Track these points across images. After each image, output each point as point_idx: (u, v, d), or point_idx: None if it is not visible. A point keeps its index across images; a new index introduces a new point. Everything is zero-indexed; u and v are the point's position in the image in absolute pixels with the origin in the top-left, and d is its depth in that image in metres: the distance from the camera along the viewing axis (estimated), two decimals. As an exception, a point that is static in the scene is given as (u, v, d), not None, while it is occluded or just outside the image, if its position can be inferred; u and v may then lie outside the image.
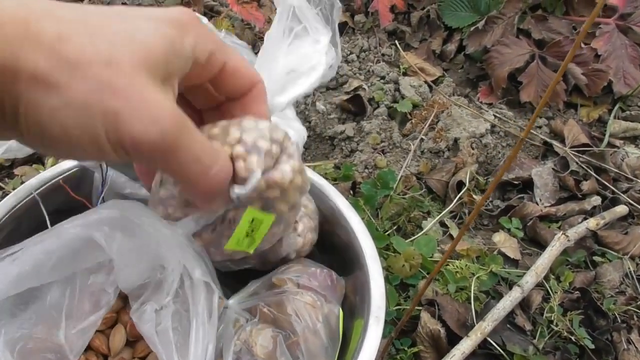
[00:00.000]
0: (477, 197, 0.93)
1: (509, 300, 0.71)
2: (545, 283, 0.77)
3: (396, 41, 1.26)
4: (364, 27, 1.30)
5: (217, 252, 0.47)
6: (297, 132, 0.79)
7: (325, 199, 0.77)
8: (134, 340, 0.57)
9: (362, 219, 0.74)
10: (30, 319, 0.57)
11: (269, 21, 1.33)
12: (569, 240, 0.79)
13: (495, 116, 1.09)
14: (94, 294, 0.60)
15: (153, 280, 0.59)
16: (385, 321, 0.62)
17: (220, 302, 0.62)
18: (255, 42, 1.29)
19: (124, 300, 0.62)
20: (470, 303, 0.73)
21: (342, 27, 1.30)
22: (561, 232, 0.80)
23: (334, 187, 0.78)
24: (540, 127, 1.10)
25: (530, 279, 0.74)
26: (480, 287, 0.76)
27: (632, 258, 0.84)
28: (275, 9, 1.47)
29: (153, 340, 0.53)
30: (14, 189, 0.87)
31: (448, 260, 0.81)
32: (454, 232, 0.88)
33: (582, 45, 1.11)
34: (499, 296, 0.76)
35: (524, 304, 0.74)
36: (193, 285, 0.57)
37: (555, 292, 0.74)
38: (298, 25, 0.74)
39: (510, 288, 0.77)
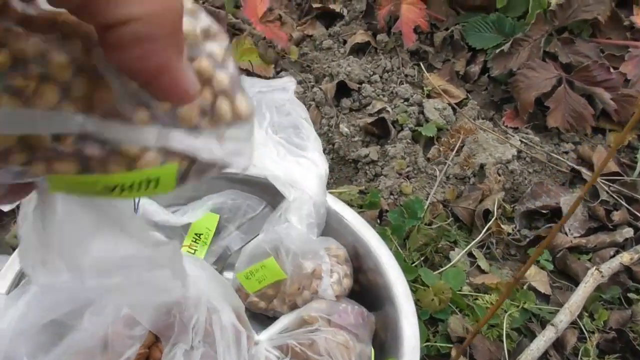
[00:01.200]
0: (505, 227, 0.92)
1: (543, 340, 0.70)
2: (579, 321, 0.76)
3: (420, 62, 1.25)
4: (386, 46, 1.29)
5: None
6: (318, 166, 0.78)
7: (353, 231, 0.76)
8: (167, 382, 0.56)
9: (390, 249, 0.73)
10: (65, 353, 0.56)
11: (290, 39, 1.33)
12: (602, 277, 0.78)
13: (521, 141, 1.08)
14: (128, 323, 0.59)
15: (177, 319, 0.58)
16: None
17: (250, 340, 0.62)
18: (277, 61, 1.29)
19: (155, 336, 0.62)
20: (502, 341, 0.72)
21: (365, 46, 1.29)
22: (594, 268, 0.79)
23: (362, 219, 0.77)
24: (567, 153, 1.09)
25: (564, 317, 0.72)
26: (511, 324, 0.75)
27: (667, 294, 0.82)
28: (297, 27, 1.46)
29: (185, 387, 0.53)
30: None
31: (477, 294, 0.80)
32: (482, 263, 0.87)
33: (611, 69, 1.10)
34: (531, 334, 0.74)
35: (558, 344, 0.73)
36: (222, 326, 0.56)
37: (591, 332, 0.73)
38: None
39: (542, 325, 0.75)
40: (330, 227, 0.76)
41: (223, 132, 0.24)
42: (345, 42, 1.32)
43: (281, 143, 0.81)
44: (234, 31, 1.33)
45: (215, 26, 0.24)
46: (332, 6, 1.40)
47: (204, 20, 0.24)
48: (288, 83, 0.91)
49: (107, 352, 0.58)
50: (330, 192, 0.88)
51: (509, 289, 0.51)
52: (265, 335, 0.66)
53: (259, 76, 1.22)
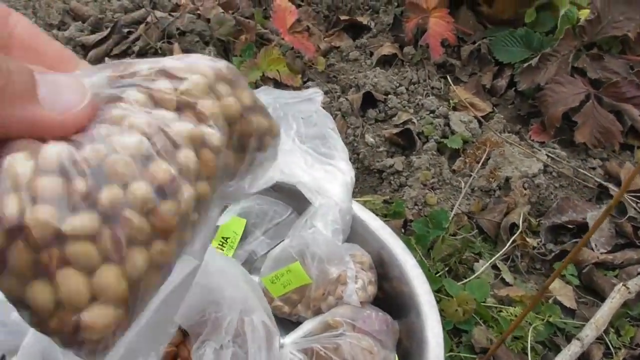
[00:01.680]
0: (530, 240, 0.91)
1: (568, 354, 0.69)
2: (605, 337, 0.75)
3: (447, 75, 1.26)
4: (413, 59, 1.30)
5: None
6: (344, 174, 0.79)
7: (378, 239, 0.77)
8: (194, 380, 0.57)
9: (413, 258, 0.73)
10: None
11: (318, 50, 1.35)
12: (629, 293, 0.77)
13: (548, 155, 1.08)
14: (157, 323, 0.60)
15: (210, 317, 0.59)
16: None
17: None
18: (304, 71, 1.30)
19: (183, 333, 0.63)
20: (526, 354, 0.71)
21: (392, 59, 1.30)
22: (621, 284, 0.78)
23: (388, 227, 0.78)
24: (594, 169, 1.08)
25: (590, 332, 0.72)
26: (536, 337, 0.74)
27: (694, 313, 0.81)
28: (324, 38, 1.47)
29: (212, 384, 0.54)
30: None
31: (502, 306, 0.79)
32: (507, 275, 0.86)
33: (640, 86, 1.09)
34: (555, 348, 0.73)
35: (583, 359, 0.72)
36: (254, 327, 0.57)
37: (617, 348, 0.72)
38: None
39: (567, 340, 0.74)
40: (355, 233, 0.77)
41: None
42: (372, 54, 1.33)
43: (308, 152, 0.82)
44: (262, 41, 1.35)
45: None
46: (359, 19, 1.42)
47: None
48: (315, 94, 0.92)
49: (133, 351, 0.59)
50: (355, 201, 0.89)
51: (536, 300, 0.51)
52: (289, 339, 0.66)
53: (286, 86, 1.24)
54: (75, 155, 0.19)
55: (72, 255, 0.17)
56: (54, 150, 0.19)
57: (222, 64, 0.25)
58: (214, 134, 0.22)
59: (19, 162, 0.18)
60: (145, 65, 0.23)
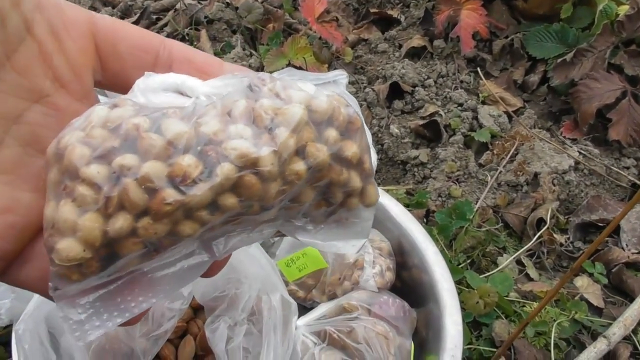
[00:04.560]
0: (558, 237, 0.88)
1: (594, 352, 0.66)
2: (633, 337, 0.71)
3: (478, 68, 1.23)
4: (442, 52, 1.27)
5: None
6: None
7: (399, 225, 0.75)
8: (202, 354, 0.55)
9: (435, 249, 0.71)
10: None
11: (346, 41, 1.33)
12: (662, 293, 0.73)
13: (579, 152, 1.04)
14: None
15: (229, 294, 0.58)
16: (461, 361, 0.59)
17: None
18: (331, 61, 1.29)
19: (194, 310, 0.62)
20: (549, 350, 0.68)
21: (421, 51, 1.28)
22: (653, 283, 0.74)
23: (410, 214, 0.75)
24: (628, 168, 1.04)
25: (617, 330, 0.68)
26: (560, 333, 0.71)
27: None
28: (353, 30, 1.45)
29: (222, 358, 0.52)
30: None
31: (525, 301, 0.76)
32: (531, 271, 0.83)
33: (680, 84, 1.05)
34: (580, 346, 0.70)
35: (609, 357, 0.69)
36: (270, 306, 0.56)
37: (646, 349, 0.68)
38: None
39: (593, 338, 0.71)
40: (375, 220, 0.75)
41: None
42: (400, 46, 1.31)
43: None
44: (289, 31, 1.34)
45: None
46: (390, 12, 1.40)
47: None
48: (339, 76, 0.90)
49: (147, 322, 0.58)
50: (378, 188, 0.87)
51: (559, 287, 0.48)
52: (303, 321, 0.65)
53: (313, 75, 1.22)
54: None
55: (77, 193, 0.20)
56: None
57: (351, 111, 0.24)
58: (266, 164, 0.21)
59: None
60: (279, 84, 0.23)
